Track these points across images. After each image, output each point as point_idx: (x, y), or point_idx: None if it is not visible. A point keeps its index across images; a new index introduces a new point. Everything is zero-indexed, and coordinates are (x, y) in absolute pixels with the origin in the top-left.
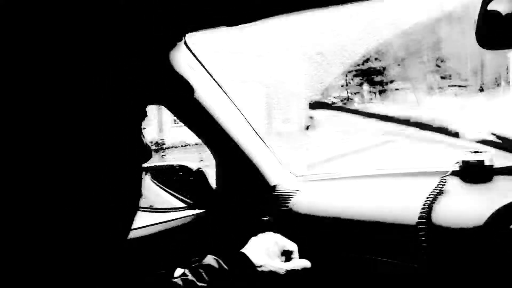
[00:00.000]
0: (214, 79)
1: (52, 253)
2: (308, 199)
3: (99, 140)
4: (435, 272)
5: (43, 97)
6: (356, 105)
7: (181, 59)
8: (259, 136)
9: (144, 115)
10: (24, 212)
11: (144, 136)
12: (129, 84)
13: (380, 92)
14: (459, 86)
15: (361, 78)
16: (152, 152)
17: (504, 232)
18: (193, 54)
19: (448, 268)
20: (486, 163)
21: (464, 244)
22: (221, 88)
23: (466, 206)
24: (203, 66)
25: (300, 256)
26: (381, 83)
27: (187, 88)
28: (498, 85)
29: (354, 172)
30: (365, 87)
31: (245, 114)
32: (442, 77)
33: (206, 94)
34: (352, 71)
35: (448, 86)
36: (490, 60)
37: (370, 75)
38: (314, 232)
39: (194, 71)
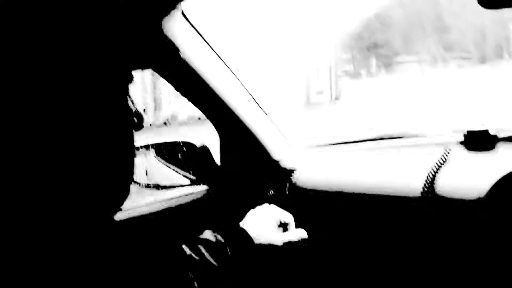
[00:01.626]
0: (215, 52)
1: (45, 224)
2: (311, 173)
3: (85, 102)
4: (438, 242)
5: (29, 62)
6: (363, 79)
7: (176, 28)
8: (264, 111)
9: (130, 78)
10: (14, 183)
11: (133, 103)
12: (116, 48)
13: (386, 65)
14: (462, 58)
15: (367, 51)
16: (143, 119)
17: (507, 199)
18: (190, 23)
19: (451, 236)
20: (491, 132)
21: (467, 212)
22: (222, 61)
23: (470, 174)
24: (202, 38)
25: (303, 229)
26: (386, 56)
27: (179, 55)
28: (500, 56)
29: (358, 145)
30: (372, 61)
31: (249, 89)
32: (446, 49)
33: (205, 67)
34: (358, 45)
35: (452, 58)
36: (492, 32)
37: (375, 48)
38: (317, 205)
39: (190, 41)
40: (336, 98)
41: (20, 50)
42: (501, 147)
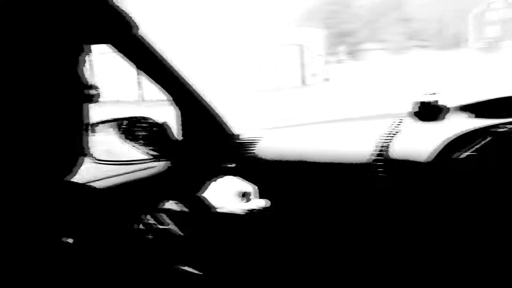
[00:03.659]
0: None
1: None
2: (270, 145)
3: (29, 71)
4: (388, 204)
5: None
6: (332, 65)
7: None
8: (228, 90)
9: (81, 51)
10: None
11: (87, 77)
12: (64, 22)
13: (353, 52)
14: (422, 46)
15: (337, 39)
16: (99, 92)
17: (449, 162)
18: None
19: (399, 198)
20: (440, 103)
21: (415, 175)
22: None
23: (419, 142)
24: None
25: (264, 198)
26: (354, 44)
27: (130, 27)
28: (457, 45)
29: (314, 119)
30: (340, 48)
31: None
32: (409, 38)
33: (163, 43)
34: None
35: (412, 46)
36: (451, 22)
37: (343, 37)
38: (276, 176)
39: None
40: (326, 80)
41: None
42: (449, 117)
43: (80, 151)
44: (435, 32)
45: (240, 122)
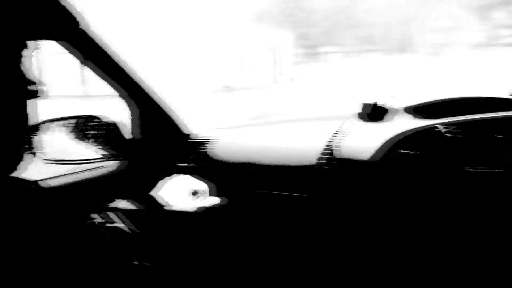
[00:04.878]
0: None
1: None
2: (223, 144)
3: None
4: (336, 201)
5: None
6: (297, 66)
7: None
8: (181, 89)
9: (24, 47)
10: None
11: (30, 72)
12: (5, 17)
13: (312, 55)
14: (373, 50)
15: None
16: (42, 88)
17: (391, 159)
18: None
19: (347, 195)
20: (380, 104)
21: (361, 172)
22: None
23: (364, 141)
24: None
25: (217, 196)
26: (312, 47)
27: (77, 22)
28: (403, 50)
29: (266, 120)
30: (299, 50)
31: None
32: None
33: (111, 39)
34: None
35: (364, 50)
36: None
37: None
38: (228, 174)
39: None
40: (292, 79)
41: None
42: (389, 118)
43: (25, 148)
44: (383, 37)
45: (197, 121)
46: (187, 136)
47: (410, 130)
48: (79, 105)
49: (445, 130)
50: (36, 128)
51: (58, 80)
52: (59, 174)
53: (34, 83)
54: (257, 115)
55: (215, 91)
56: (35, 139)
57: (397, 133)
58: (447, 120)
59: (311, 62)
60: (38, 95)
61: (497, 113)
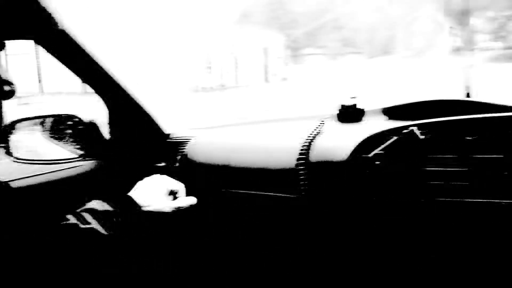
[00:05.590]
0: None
1: None
2: (201, 145)
3: None
4: (312, 201)
5: None
6: (287, 66)
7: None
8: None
9: (1, 47)
10: None
11: (3, 72)
12: None
13: (295, 56)
14: (356, 52)
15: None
16: (14, 88)
17: (363, 160)
18: None
19: (322, 195)
20: (358, 106)
21: (335, 173)
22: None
23: (339, 142)
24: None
25: (193, 196)
26: (295, 49)
27: (54, 22)
28: (386, 52)
29: (245, 120)
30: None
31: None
32: (344, 45)
33: (89, 39)
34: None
35: (347, 52)
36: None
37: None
38: (206, 174)
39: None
40: (284, 79)
41: None
42: (366, 119)
43: None
44: (366, 40)
45: (176, 121)
46: (166, 136)
47: (383, 131)
48: (77, 102)
49: (419, 131)
50: (10, 127)
51: (56, 77)
52: (31, 174)
53: (6, 82)
54: (244, 115)
55: (196, 91)
56: (8, 138)
57: (370, 134)
58: (420, 122)
59: (295, 63)
60: (7, 95)
61: (467, 115)
